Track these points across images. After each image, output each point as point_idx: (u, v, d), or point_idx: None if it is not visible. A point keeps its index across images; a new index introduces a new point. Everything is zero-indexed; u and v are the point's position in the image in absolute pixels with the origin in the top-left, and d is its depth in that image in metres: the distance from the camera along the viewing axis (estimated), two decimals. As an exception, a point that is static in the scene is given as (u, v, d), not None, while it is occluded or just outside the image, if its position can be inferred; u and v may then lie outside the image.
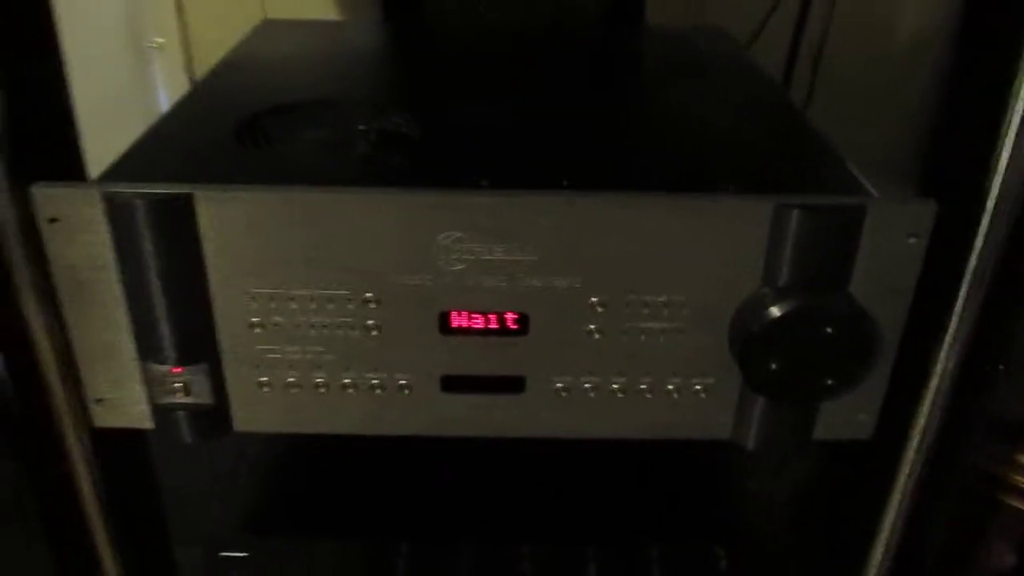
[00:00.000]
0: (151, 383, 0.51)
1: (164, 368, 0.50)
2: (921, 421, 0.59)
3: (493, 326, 0.50)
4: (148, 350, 0.50)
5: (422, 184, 0.47)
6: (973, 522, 0.84)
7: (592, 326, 0.50)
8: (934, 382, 0.58)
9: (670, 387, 0.51)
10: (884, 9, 1.02)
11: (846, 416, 0.53)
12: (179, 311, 0.48)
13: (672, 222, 0.47)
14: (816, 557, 0.68)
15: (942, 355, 0.56)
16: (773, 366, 0.48)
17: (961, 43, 0.52)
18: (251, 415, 0.52)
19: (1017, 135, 0.50)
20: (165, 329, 0.49)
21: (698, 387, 0.51)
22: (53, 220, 0.46)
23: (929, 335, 0.56)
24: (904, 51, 1.04)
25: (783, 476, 0.71)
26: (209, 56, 1.08)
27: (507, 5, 0.87)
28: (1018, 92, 0.49)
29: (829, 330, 0.47)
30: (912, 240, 0.47)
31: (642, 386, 0.51)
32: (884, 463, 0.62)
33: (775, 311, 0.47)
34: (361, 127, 0.57)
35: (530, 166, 0.53)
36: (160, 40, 1.08)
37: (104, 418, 0.53)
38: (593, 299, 0.49)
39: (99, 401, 0.52)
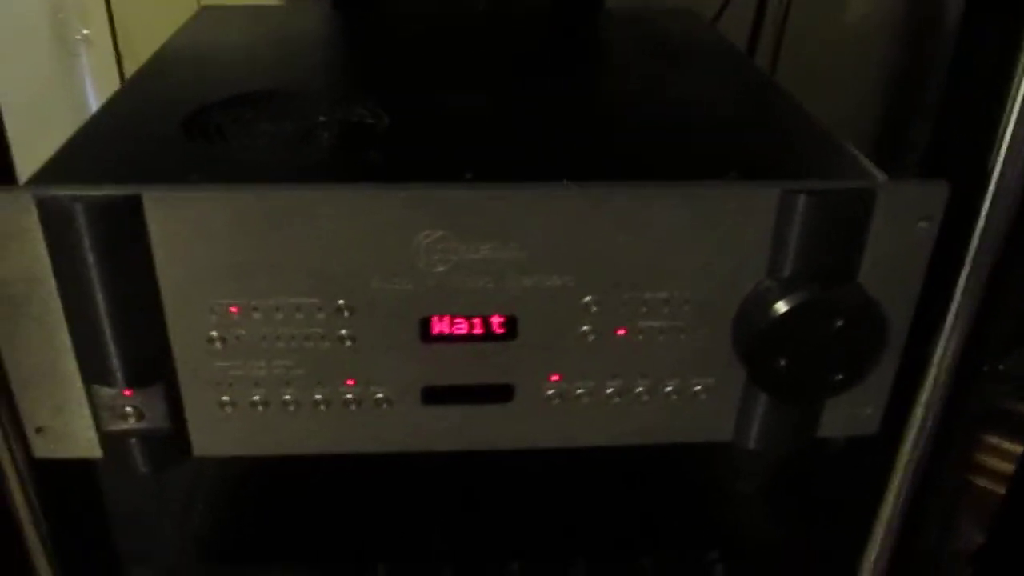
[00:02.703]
0: (99, 408, 0.46)
1: (113, 391, 0.45)
2: (919, 413, 0.57)
3: (478, 331, 0.46)
4: (94, 372, 0.44)
5: (398, 179, 0.43)
6: (947, 506, 0.83)
7: (585, 327, 0.46)
8: (932, 373, 0.56)
9: (668, 389, 0.48)
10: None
11: (852, 411, 0.50)
12: (128, 327, 0.43)
13: (671, 213, 0.43)
14: (812, 556, 0.65)
15: (940, 345, 0.54)
16: (782, 363, 0.45)
17: (962, 25, 0.50)
18: (212, 438, 0.47)
19: (1019, 117, 0.48)
20: (113, 348, 0.43)
21: (698, 388, 0.48)
22: (-21, 230, 0.41)
23: (928, 325, 0.53)
24: (864, 26, 1.03)
25: (775, 477, 0.69)
26: (140, 48, 1.02)
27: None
28: (1020, 73, 0.47)
29: (840, 323, 0.44)
30: (923, 224, 0.45)
31: (639, 389, 0.48)
32: (880, 458, 0.60)
33: (782, 306, 0.44)
34: (322, 118, 0.52)
35: (514, 157, 0.49)
36: (86, 31, 1.01)
37: (45, 448, 0.47)
38: (587, 298, 0.45)
39: (39, 430, 0.47)
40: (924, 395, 0.56)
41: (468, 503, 0.65)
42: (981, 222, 0.50)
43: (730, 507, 0.68)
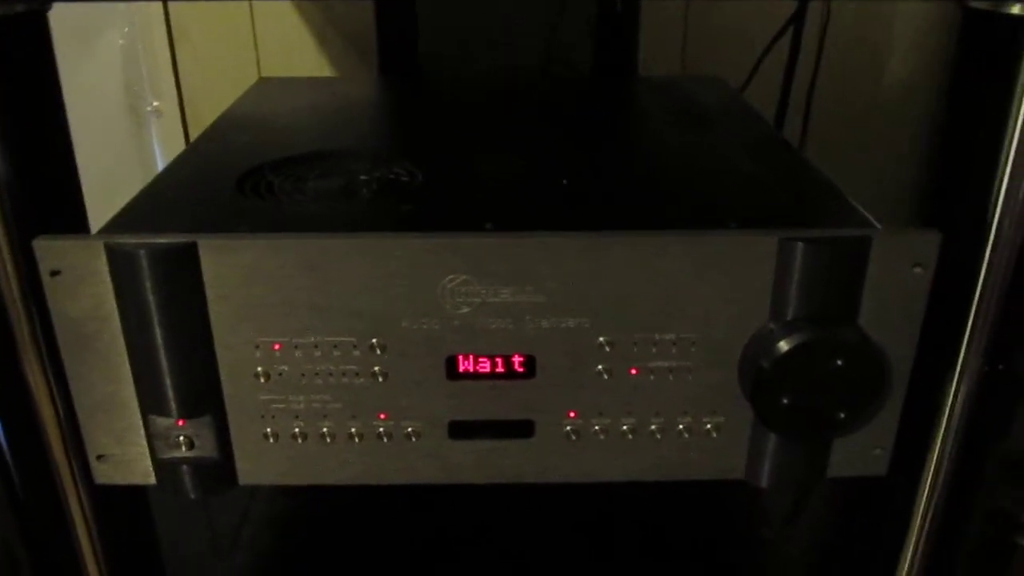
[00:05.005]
0: (154, 437, 0.50)
1: (168, 421, 0.49)
2: (934, 457, 0.58)
3: (500, 369, 0.49)
4: (151, 403, 0.49)
5: (426, 228, 0.47)
6: (990, 566, 0.82)
7: (600, 366, 0.49)
8: (945, 416, 0.57)
9: (681, 427, 0.51)
10: (870, 55, 1.04)
11: (860, 452, 0.52)
12: (183, 362, 0.48)
13: (678, 259, 0.47)
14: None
15: (953, 385, 0.56)
16: (785, 401, 0.48)
17: (957, 75, 0.53)
18: (256, 467, 0.51)
19: (1014, 161, 0.50)
20: (169, 381, 0.48)
21: (709, 426, 0.51)
22: (55, 273, 0.46)
23: (940, 368, 0.55)
24: (890, 96, 1.06)
25: (795, 520, 0.70)
26: (205, 118, 1.09)
27: (500, 58, 0.88)
28: (1015, 123, 0.49)
29: (839, 362, 0.47)
30: (917, 270, 0.47)
31: (652, 426, 0.51)
32: (899, 502, 0.61)
33: (784, 345, 0.47)
34: (363, 176, 0.57)
35: (534, 209, 0.53)
36: (156, 103, 1.09)
37: (106, 475, 0.52)
38: (601, 339, 0.48)
39: (100, 457, 0.51)
40: (938, 441, 0.57)
41: (492, 534, 0.68)
42: (984, 268, 0.52)
43: (750, 549, 0.69)
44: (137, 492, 0.58)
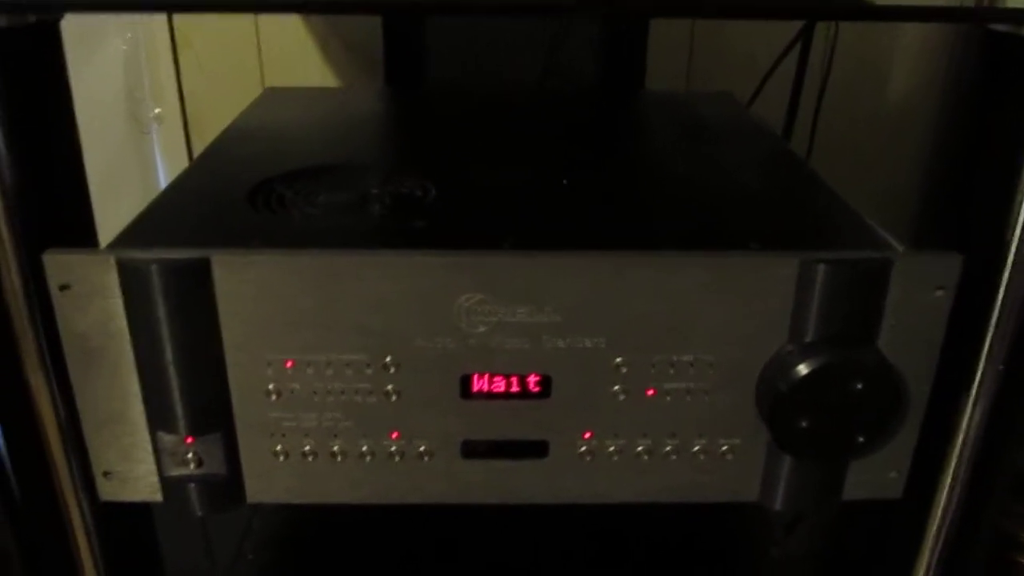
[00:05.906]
0: (162, 454, 0.49)
1: (176, 438, 0.48)
2: (948, 479, 0.58)
3: (515, 389, 0.48)
4: (159, 420, 0.48)
5: (442, 245, 0.46)
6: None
7: (616, 387, 0.48)
8: (960, 438, 0.57)
9: (696, 448, 0.50)
10: (877, 70, 1.04)
11: (876, 474, 0.51)
12: (193, 379, 0.47)
13: (697, 280, 0.46)
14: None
15: (968, 410, 0.55)
16: (803, 424, 0.47)
17: (976, 93, 0.53)
18: (265, 486, 0.51)
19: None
20: (178, 397, 0.47)
21: (724, 448, 0.50)
22: (64, 287, 0.45)
23: (954, 390, 0.55)
24: (896, 110, 1.06)
25: (805, 539, 0.69)
26: (207, 125, 1.09)
27: (506, 70, 0.88)
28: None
29: (859, 386, 0.47)
30: (939, 293, 0.47)
31: (667, 448, 0.50)
32: (909, 524, 0.60)
33: (803, 368, 0.46)
34: (375, 191, 0.56)
35: (550, 227, 0.53)
36: (158, 110, 1.08)
37: (111, 492, 0.51)
38: (617, 359, 0.48)
39: (106, 474, 0.50)
40: (951, 463, 0.57)
41: (504, 555, 0.67)
42: (1002, 289, 0.51)
43: (760, 568, 0.69)
44: (140, 509, 0.57)
